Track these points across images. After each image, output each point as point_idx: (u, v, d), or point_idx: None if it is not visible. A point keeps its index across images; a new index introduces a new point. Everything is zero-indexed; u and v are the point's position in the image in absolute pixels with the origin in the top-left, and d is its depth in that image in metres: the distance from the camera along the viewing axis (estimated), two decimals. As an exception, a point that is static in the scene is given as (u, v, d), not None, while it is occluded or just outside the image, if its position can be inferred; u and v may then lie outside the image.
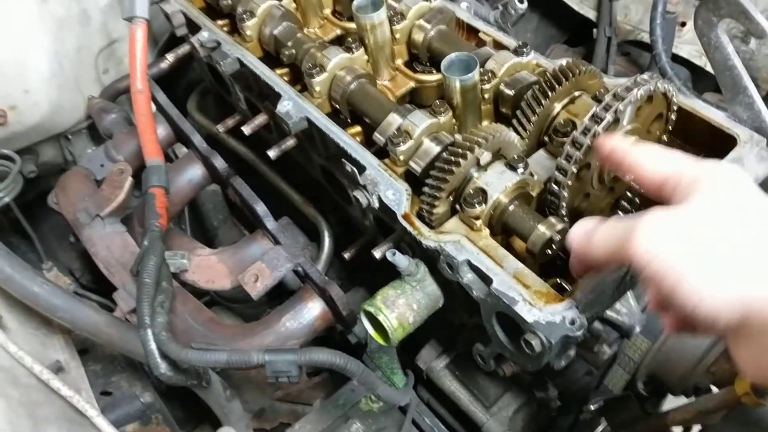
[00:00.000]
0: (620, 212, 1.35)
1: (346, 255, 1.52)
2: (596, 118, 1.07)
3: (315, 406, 1.49)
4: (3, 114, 1.71)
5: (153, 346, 1.24)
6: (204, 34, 1.58)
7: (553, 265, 1.30)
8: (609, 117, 1.06)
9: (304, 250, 1.82)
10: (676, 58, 2.29)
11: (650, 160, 0.88)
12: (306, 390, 1.85)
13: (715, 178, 0.81)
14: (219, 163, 1.58)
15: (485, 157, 1.14)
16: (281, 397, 1.80)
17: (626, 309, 1.29)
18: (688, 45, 2.29)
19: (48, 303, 1.23)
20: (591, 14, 2.47)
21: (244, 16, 1.51)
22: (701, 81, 2.30)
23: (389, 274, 1.24)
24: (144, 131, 1.55)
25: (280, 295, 1.62)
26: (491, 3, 2.56)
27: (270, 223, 1.48)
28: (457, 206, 1.16)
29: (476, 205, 1.12)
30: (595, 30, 2.42)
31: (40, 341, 1.48)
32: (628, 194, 1.32)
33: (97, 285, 2.17)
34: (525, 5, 1.71)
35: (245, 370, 1.39)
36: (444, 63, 1.24)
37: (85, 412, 1.29)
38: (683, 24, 2.28)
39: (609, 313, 1.29)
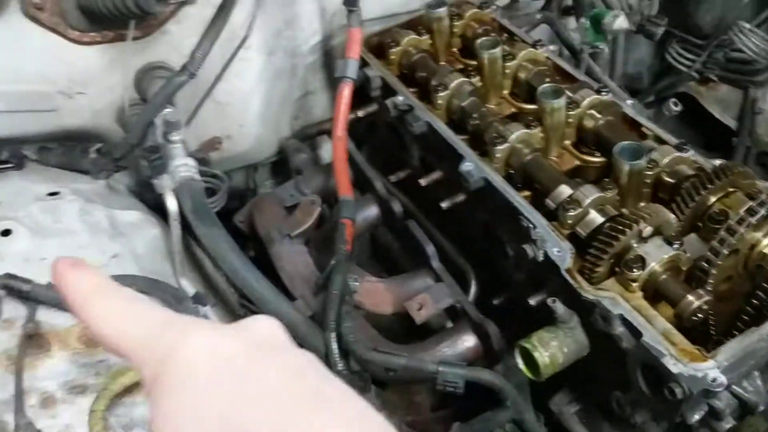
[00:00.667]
0: (754, 300, 1.51)
1: (496, 301, 1.73)
2: (752, 211, 1.26)
3: (454, 429, 1.68)
4: (220, 141, 2.06)
5: (335, 346, 1.49)
6: (399, 98, 1.87)
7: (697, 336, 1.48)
8: (763, 212, 1.25)
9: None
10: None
11: (104, 320, 0.61)
12: (431, 423, 2.03)
13: (185, 369, 0.55)
14: (397, 207, 1.85)
15: (647, 230, 1.34)
16: (410, 422, 2.00)
17: (753, 387, 1.43)
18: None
19: (262, 297, 1.50)
20: (732, 123, 2.64)
21: (438, 87, 1.79)
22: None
23: (519, 326, 1.44)
24: (339, 172, 1.85)
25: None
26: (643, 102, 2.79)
27: (436, 263, 1.72)
28: (616, 269, 1.36)
29: (635, 270, 1.31)
30: (734, 139, 2.59)
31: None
32: (765, 285, 1.48)
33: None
34: (679, 108, 1.91)
35: (414, 380, 1.59)
36: (616, 148, 1.46)
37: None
38: (824, 144, 2.42)
39: (735, 387, 1.43)
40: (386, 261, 2.57)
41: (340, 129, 1.89)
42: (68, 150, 1.85)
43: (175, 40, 1.85)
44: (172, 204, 1.52)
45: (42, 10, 1.68)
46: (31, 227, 1.53)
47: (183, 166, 1.60)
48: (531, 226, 1.46)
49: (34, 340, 1.26)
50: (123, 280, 1.37)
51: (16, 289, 1.32)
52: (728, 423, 1.42)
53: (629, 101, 1.72)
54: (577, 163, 1.70)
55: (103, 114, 1.87)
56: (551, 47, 1.93)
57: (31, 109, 1.78)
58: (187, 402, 0.53)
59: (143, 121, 1.73)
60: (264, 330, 0.61)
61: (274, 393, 0.53)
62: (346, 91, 1.90)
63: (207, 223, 1.51)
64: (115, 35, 1.76)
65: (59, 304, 1.31)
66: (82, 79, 1.79)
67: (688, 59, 2.62)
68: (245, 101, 2.03)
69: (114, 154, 1.77)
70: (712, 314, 1.39)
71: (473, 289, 1.93)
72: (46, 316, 1.32)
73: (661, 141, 1.63)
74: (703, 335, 1.45)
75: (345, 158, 1.88)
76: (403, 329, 1.90)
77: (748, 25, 2.41)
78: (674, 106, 1.91)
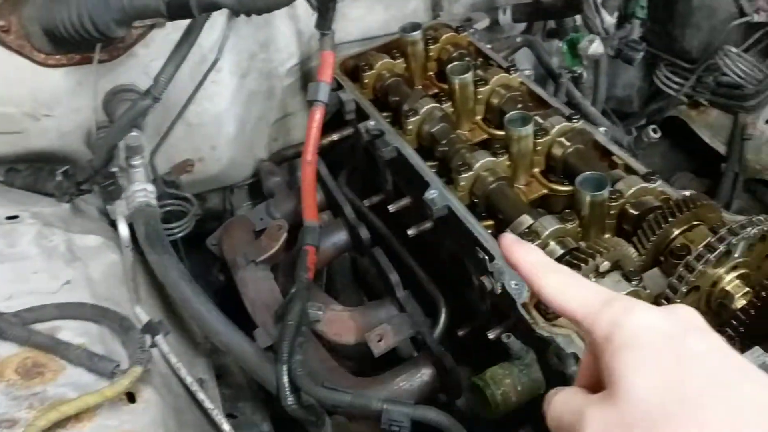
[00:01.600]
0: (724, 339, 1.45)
1: (460, 333, 1.69)
2: (710, 247, 1.21)
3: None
4: (192, 164, 2.04)
5: (286, 380, 1.45)
6: (371, 123, 1.85)
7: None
8: (722, 248, 1.20)
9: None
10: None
11: (556, 290, 0.79)
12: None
13: (634, 340, 0.69)
14: (364, 233, 1.82)
15: (604, 265, 1.30)
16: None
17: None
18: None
19: (213, 328, 1.47)
20: (721, 149, 2.58)
21: (409, 113, 1.76)
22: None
23: (486, 357, 1.40)
24: (307, 197, 1.82)
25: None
26: (626, 128, 2.75)
27: (400, 292, 1.68)
28: (573, 304, 1.31)
29: (590, 307, 1.26)
30: (723, 164, 2.53)
31: (189, 359, 1.73)
32: (733, 322, 1.43)
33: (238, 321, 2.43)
34: (658, 135, 1.87)
35: (360, 416, 1.56)
36: (578, 179, 1.42)
37: (221, 425, 1.50)
38: (814, 172, 2.36)
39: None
40: (366, 286, 2.54)
41: (310, 153, 1.87)
42: (35, 172, 1.84)
43: (144, 63, 1.83)
44: (123, 230, 1.50)
45: (7, 32, 1.67)
46: (-16, 251, 1.51)
47: (141, 192, 1.58)
48: (487, 258, 1.42)
49: (-33, 370, 1.24)
50: (66, 309, 1.35)
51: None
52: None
53: (602, 128, 1.67)
54: (545, 191, 1.66)
55: (71, 136, 1.85)
56: (526, 72, 1.90)
57: (-3, 131, 1.78)
58: (641, 360, 0.67)
59: (107, 144, 1.71)
60: (688, 313, 0.73)
61: (706, 364, 0.66)
62: (317, 115, 1.87)
63: (158, 250, 1.49)
64: (81, 58, 1.74)
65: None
66: (48, 101, 1.78)
67: (676, 83, 2.58)
68: (217, 123, 2.01)
69: (78, 178, 1.75)
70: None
71: (443, 318, 1.88)
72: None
73: (630, 170, 1.59)
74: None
75: (313, 183, 1.85)
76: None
77: (735, 50, 2.37)
78: (653, 133, 1.87)
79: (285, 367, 1.46)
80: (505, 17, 2.18)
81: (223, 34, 1.89)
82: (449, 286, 1.98)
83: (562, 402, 0.77)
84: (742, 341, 1.47)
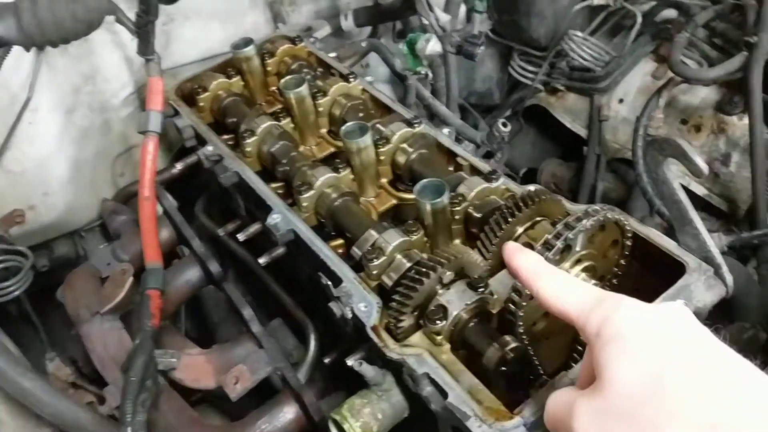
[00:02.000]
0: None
1: (327, 360, 1.59)
2: (548, 245, 1.16)
3: None
4: (21, 214, 1.85)
5: (128, 446, 1.31)
6: (209, 148, 1.73)
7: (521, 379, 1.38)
8: (559, 244, 1.15)
9: (292, 353, 1.89)
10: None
11: (552, 293, 0.87)
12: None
13: (619, 334, 0.76)
14: (213, 267, 1.70)
15: (447, 276, 1.23)
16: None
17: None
18: (673, 164, 2.40)
19: (36, 398, 1.31)
20: (582, 132, 2.61)
21: (245, 134, 1.66)
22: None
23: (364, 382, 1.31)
24: (146, 235, 1.68)
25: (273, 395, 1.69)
26: (491, 121, 2.74)
27: (255, 327, 1.57)
28: (422, 322, 1.24)
29: (437, 322, 1.20)
30: (585, 147, 2.56)
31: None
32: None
33: (97, 376, 2.24)
34: (508, 128, 1.84)
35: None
36: (417, 188, 1.35)
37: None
38: (668, 145, 2.40)
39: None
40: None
41: (147, 188, 1.73)
42: None
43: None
44: None
45: None
46: None
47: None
48: (329, 284, 1.33)
49: None
50: None
51: None
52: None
53: (446, 129, 1.62)
54: (395, 201, 1.59)
55: None
56: (368, 78, 1.83)
57: None
58: (625, 353, 0.73)
59: None
60: (674, 308, 0.78)
61: (685, 353, 0.72)
62: (150, 147, 1.73)
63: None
64: None
65: None
66: None
67: (531, 72, 2.59)
68: (44, 167, 1.84)
69: None
70: (530, 357, 1.29)
71: (312, 344, 1.79)
72: None
73: (476, 171, 1.54)
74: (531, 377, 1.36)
75: (153, 220, 1.71)
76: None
77: (580, 34, 2.39)
78: (503, 127, 1.84)
79: (129, 430, 1.32)
80: (347, 22, 2.11)
81: (33, 70, 1.72)
82: (315, 313, 1.89)
83: (555, 399, 0.85)
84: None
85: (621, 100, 2.56)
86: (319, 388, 1.92)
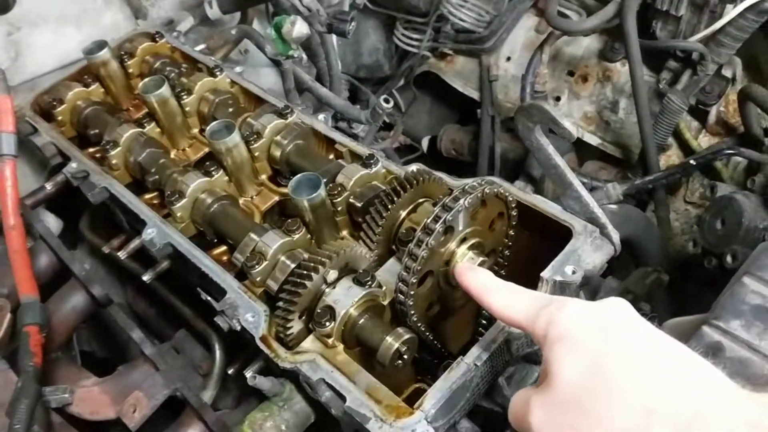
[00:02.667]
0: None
1: (231, 371, 1.52)
2: (427, 230, 1.11)
3: None
4: None
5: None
6: (73, 165, 1.60)
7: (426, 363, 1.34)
8: (439, 228, 1.11)
9: (201, 364, 1.81)
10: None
11: (501, 306, 0.92)
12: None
13: (563, 331, 0.81)
14: (96, 291, 1.58)
15: (332, 275, 1.18)
16: None
17: (501, 399, 1.31)
18: (565, 119, 2.41)
19: None
20: (475, 95, 2.58)
21: (108, 146, 1.54)
22: (582, 149, 2.42)
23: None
24: (18, 269, 1.55)
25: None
26: (385, 92, 2.68)
27: (147, 348, 1.48)
28: (311, 325, 1.19)
29: (326, 324, 1.14)
30: (479, 110, 2.54)
31: None
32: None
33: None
34: (390, 105, 1.79)
35: None
36: (291, 185, 1.28)
37: None
38: (558, 98, 2.41)
39: (485, 404, 1.31)
40: (153, 331, 2.30)
41: (12, 217, 1.59)
42: None
43: None
44: None
45: None
46: None
47: None
48: (209, 299, 1.26)
49: None
50: None
51: None
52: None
53: (321, 116, 1.55)
54: (277, 198, 1.51)
55: None
56: (237, 69, 1.73)
57: None
58: (568, 349, 0.79)
59: None
60: (615, 304, 0.84)
61: (623, 346, 0.77)
62: (6, 172, 1.59)
63: None
64: None
65: None
66: None
67: (415, 39, 2.53)
68: None
69: None
70: (429, 342, 1.26)
71: (218, 356, 1.71)
72: None
73: (357, 156, 1.48)
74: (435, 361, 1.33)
75: (22, 250, 1.58)
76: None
77: (457, -4, 2.35)
78: (386, 104, 1.79)
79: (16, 485, 1.22)
80: (213, 10, 1.99)
81: None
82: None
83: (515, 399, 0.89)
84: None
85: (508, 58, 2.55)
86: (235, 396, 1.85)
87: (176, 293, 1.93)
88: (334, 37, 2.13)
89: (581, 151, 2.43)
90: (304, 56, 2.02)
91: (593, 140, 2.37)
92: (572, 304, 0.84)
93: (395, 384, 1.19)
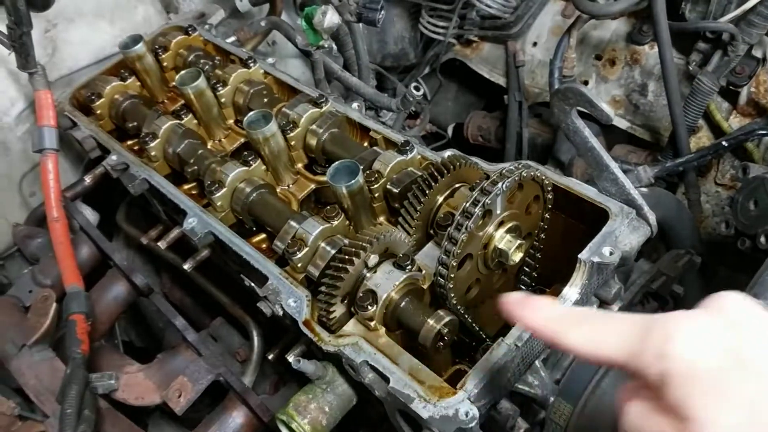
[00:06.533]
0: (522, 286, 1.42)
1: (270, 356, 1.55)
2: (467, 214, 1.13)
3: None
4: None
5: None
6: (113, 158, 1.64)
7: (464, 346, 1.36)
8: (478, 211, 1.13)
9: (239, 350, 1.85)
10: (584, 115, 2.40)
11: (585, 344, 0.73)
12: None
13: (689, 370, 0.65)
14: (138, 280, 1.63)
15: (372, 260, 1.20)
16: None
17: (538, 381, 1.33)
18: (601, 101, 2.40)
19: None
20: (501, 81, 2.58)
21: (147, 138, 1.57)
22: (611, 133, 2.42)
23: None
24: (62, 259, 1.60)
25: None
26: (412, 80, 2.69)
27: (190, 335, 1.52)
28: (353, 309, 1.21)
29: (368, 307, 1.17)
30: (506, 96, 2.54)
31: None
32: (525, 268, 1.39)
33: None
34: (421, 92, 1.80)
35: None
36: (329, 172, 1.30)
37: None
38: (586, 83, 2.40)
39: (521, 386, 1.33)
40: (189, 319, 2.34)
41: (55, 209, 1.64)
42: None
43: None
44: None
45: None
46: None
47: None
48: (252, 285, 1.29)
49: None
50: None
51: None
52: (520, 429, 1.32)
53: (355, 104, 1.57)
54: (313, 186, 1.54)
55: None
56: (270, 60, 1.75)
57: None
58: (704, 393, 0.62)
59: None
60: (734, 306, 0.67)
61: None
62: (49, 165, 1.64)
63: None
64: None
65: None
66: None
67: (441, 27, 2.54)
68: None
69: None
70: (468, 325, 1.28)
71: (256, 342, 1.75)
72: None
73: (391, 143, 1.50)
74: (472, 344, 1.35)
75: (66, 241, 1.63)
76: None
77: (483, -18, 2.34)
78: (416, 91, 1.80)
79: (70, 466, 1.27)
80: (242, 2, 2.01)
81: None
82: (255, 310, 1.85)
83: (640, 417, 0.71)
84: (536, 285, 1.45)
85: (535, 44, 2.54)
86: (272, 382, 1.89)
87: (211, 282, 1.98)
88: (361, 26, 2.14)
89: (610, 135, 2.42)
90: (334, 46, 2.04)
91: (622, 124, 2.36)
92: (679, 324, 0.67)
93: (434, 366, 1.21)
